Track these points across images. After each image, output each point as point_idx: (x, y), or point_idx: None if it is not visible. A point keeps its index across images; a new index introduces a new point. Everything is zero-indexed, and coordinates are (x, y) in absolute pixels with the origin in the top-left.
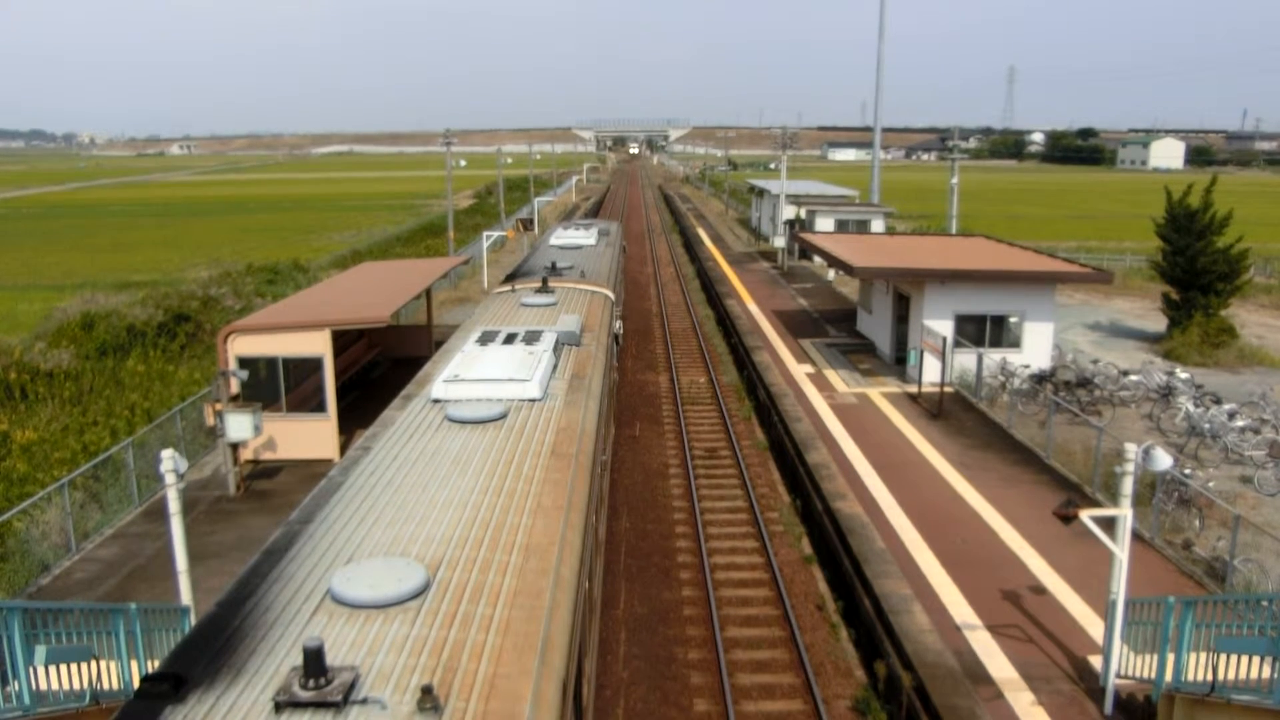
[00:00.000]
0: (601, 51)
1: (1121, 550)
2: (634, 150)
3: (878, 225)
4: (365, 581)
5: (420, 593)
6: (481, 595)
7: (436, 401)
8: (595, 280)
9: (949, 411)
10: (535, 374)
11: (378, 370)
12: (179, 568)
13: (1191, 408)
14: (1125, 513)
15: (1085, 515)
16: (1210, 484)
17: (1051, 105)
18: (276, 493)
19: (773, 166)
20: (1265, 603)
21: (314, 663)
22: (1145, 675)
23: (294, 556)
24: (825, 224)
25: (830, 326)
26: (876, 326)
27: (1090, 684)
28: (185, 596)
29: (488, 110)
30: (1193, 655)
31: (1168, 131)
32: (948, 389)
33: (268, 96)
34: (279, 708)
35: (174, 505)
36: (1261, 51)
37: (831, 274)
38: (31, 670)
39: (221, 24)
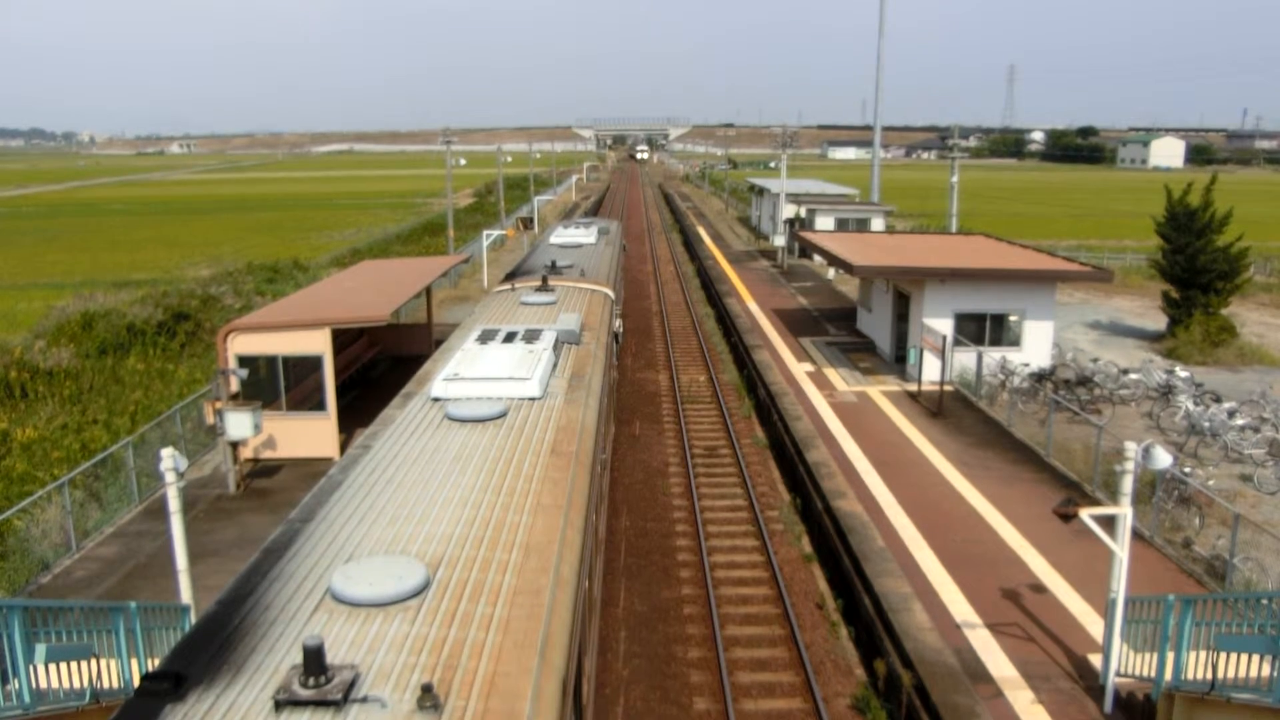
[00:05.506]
0: (602, 50)
1: (1121, 549)
2: (642, 153)
3: (878, 224)
4: (365, 580)
5: (420, 591)
6: (481, 593)
7: (436, 400)
8: (595, 279)
9: (949, 410)
10: (535, 372)
11: (378, 369)
12: (179, 566)
13: (1191, 406)
14: (1125, 511)
15: (1085, 514)
16: (1210, 482)
17: (1052, 104)
18: (276, 491)
19: (773, 165)
20: (1265, 601)
21: (314, 661)
22: (1145, 674)
23: (294, 555)
24: (825, 222)
25: (830, 325)
26: (876, 325)
27: (1090, 682)
28: (185, 595)
29: (488, 109)
30: (1192, 654)
31: (1168, 130)
32: (948, 387)
33: (268, 95)
34: (279, 706)
35: (174, 504)
36: (1261, 51)
37: (831, 273)
38: (32, 668)
39: (221, 22)
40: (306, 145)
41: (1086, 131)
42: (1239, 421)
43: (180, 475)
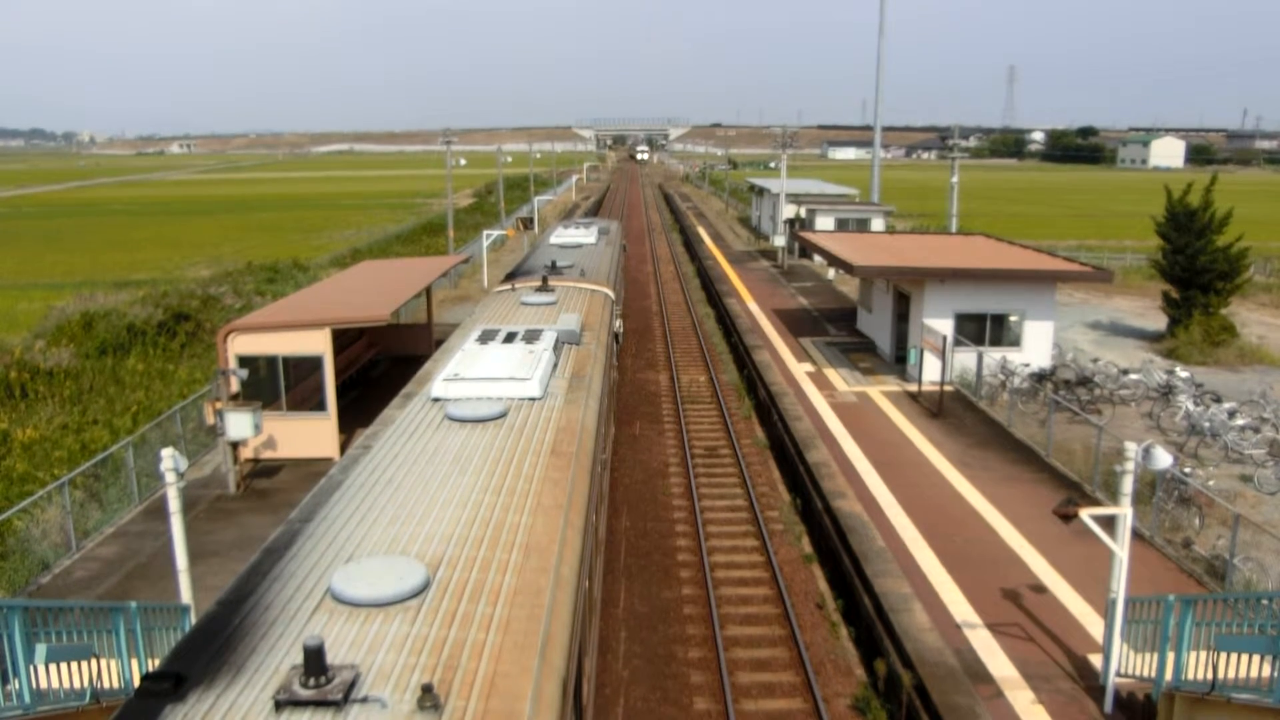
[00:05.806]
0: (602, 50)
1: (1121, 549)
2: (642, 154)
3: (878, 224)
4: (365, 580)
5: (420, 591)
6: (482, 594)
7: (436, 400)
8: (595, 279)
9: (949, 410)
10: (535, 373)
11: (378, 369)
12: (179, 566)
13: (1191, 406)
14: (1125, 511)
15: (1085, 514)
16: (1210, 482)
17: (1052, 104)
18: (276, 491)
19: (773, 165)
20: (1265, 601)
21: (314, 661)
22: (1145, 674)
23: (294, 555)
24: (825, 223)
25: (830, 325)
26: (876, 325)
27: (1090, 682)
28: (185, 595)
29: (488, 109)
30: (1193, 654)
31: (1168, 130)
32: (948, 388)
33: (268, 95)
34: (279, 706)
35: (174, 504)
36: (1261, 51)
37: (831, 273)
38: (32, 669)
39: (221, 22)
40: (306, 145)
41: (1086, 132)
42: (1239, 422)
43: (180, 475)
